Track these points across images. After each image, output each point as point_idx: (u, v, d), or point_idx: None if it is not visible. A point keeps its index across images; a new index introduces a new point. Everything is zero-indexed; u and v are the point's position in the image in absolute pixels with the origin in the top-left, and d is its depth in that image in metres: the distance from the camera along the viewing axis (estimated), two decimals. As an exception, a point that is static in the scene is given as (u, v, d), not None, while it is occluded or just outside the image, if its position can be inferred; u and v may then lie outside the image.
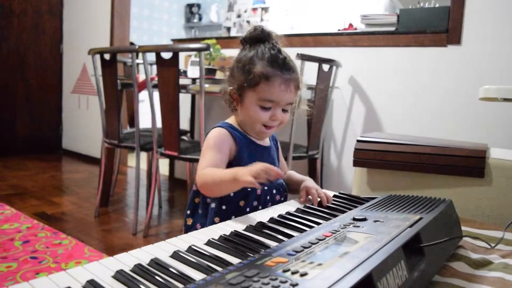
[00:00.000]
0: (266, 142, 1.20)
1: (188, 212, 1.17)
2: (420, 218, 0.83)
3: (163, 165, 3.99)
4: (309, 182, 1.17)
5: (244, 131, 1.14)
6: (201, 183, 1.03)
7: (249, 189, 1.04)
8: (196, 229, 1.13)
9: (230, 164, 1.10)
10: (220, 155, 1.08)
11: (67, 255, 2.11)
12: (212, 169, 1.03)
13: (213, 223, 1.07)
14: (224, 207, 1.09)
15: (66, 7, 4.82)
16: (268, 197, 1.13)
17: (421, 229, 0.76)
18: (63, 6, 4.83)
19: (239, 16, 5.19)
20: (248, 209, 1.08)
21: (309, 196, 1.11)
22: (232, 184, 0.95)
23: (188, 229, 1.16)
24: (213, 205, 1.10)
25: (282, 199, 1.19)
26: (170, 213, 2.99)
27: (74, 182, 3.70)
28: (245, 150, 1.11)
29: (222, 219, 1.07)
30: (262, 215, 0.92)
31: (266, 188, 1.12)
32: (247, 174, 0.90)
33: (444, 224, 0.90)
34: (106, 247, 2.28)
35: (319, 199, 1.07)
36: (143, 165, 3.45)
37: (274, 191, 1.16)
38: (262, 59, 1.07)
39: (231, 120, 1.18)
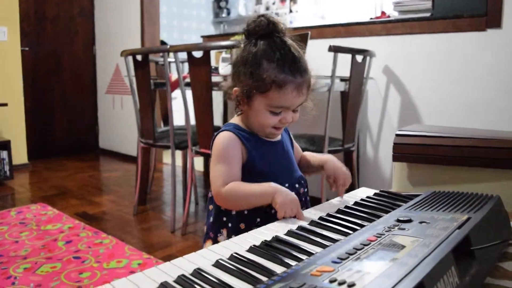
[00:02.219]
0: (277, 136, 1.14)
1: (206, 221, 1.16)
2: (469, 218, 0.80)
3: (198, 161, 4.02)
4: (330, 164, 1.14)
5: (251, 130, 1.10)
6: (224, 200, 1.02)
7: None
8: (210, 237, 1.11)
9: (242, 167, 1.06)
10: (232, 164, 1.03)
11: (108, 254, 2.16)
12: (237, 185, 1.00)
13: (239, 229, 1.05)
14: (246, 212, 1.05)
15: (97, 9, 4.91)
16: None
17: (470, 231, 0.72)
18: (94, 8, 4.93)
19: (267, 8, 5.15)
20: (273, 211, 1.03)
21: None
22: (263, 200, 0.97)
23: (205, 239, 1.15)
24: (234, 211, 1.06)
25: (306, 190, 1.16)
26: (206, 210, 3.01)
27: (112, 181, 3.78)
28: (254, 151, 1.07)
29: (248, 225, 1.04)
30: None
31: (287, 185, 1.07)
32: (282, 201, 0.92)
33: (494, 223, 0.86)
34: (145, 246, 2.32)
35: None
36: (178, 161, 3.49)
37: (297, 185, 1.12)
38: (272, 62, 0.99)
39: (236, 119, 1.12)
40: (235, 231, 1.05)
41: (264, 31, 1.02)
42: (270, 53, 1.01)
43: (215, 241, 1.10)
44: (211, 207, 1.13)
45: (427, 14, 2.58)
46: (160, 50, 2.64)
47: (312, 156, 1.23)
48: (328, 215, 0.89)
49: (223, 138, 1.06)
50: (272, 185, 0.97)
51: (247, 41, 1.05)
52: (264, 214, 1.04)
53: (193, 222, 2.73)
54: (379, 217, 0.88)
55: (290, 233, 0.79)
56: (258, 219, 1.04)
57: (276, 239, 0.76)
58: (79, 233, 2.44)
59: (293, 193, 0.95)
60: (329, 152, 2.37)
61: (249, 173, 1.06)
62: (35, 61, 4.54)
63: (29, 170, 4.09)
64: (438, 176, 1.34)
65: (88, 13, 4.92)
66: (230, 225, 1.07)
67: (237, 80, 1.06)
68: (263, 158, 1.09)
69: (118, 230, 2.54)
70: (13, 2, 3.99)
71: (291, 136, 1.24)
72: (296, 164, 1.18)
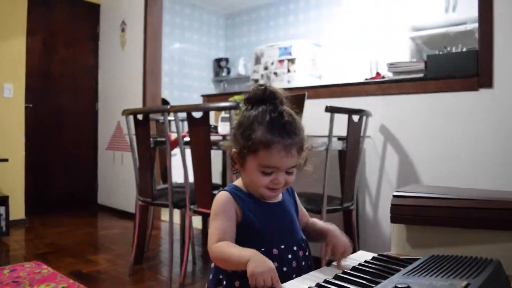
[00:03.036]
0: (277, 197, 1.17)
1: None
2: (468, 285, 0.79)
3: (196, 219, 3.98)
4: (334, 236, 1.14)
5: (249, 192, 1.13)
6: (212, 257, 1.05)
7: (262, 250, 1.02)
8: None
9: (237, 226, 1.09)
10: (226, 222, 1.07)
11: (102, 317, 2.09)
12: (223, 245, 1.02)
13: (233, 287, 1.06)
14: (240, 270, 1.02)
15: (101, 67, 5.07)
16: (289, 256, 1.10)
17: (470, 299, 0.72)
18: (99, 67, 5.09)
19: (266, 68, 5.30)
20: None
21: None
22: (239, 265, 0.96)
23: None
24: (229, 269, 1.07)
25: (307, 253, 1.15)
26: (204, 269, 2.95)
27: (109, 238, 3.73)
28: (250, 211, 1.10)
29: (242, 283, 1.04)
30: (299, 284, 0.89)
31: (283, 246, 1.09)
32: (251, 270, 0.90)
33: (494, 289, 0.85)
34: (140, 308, 2.25)
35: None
36: (176, 219, 3.46)
37: (295, 248, 1.12)
38: (262, 124, 1.05)
39: (238, 181, 1.17)
40: None
41: (260, 98, 1.10)
42: (262, 116, 1.07)
43: None
44: (213, 264, 1.14)
45: (421, 75, 2.66)
46: (160, 110, 2.69)
47: (318, 222, 1.25)
48: (325, 281, 0.88)
49: (219, 197, 1.12)
50: (250, 252, 0.97)
51: (246, 107, 1.13)
52: None
53: (190, 283, 2.67)
54: (377, 283, 0.86)
55: (286, 301, 0.78)
56: None
57: (273, 307, 0.74)
58: (73, 294, 2.38)
59: (269, 263, 0.93)
60: (328, 211, 2.35)
61: (246, 233, 1.08)
62: (37, 117, 4.60)
63: (25, 226, 4.04)
64: (437, 238, 1.33)
65: (92, 71, 5.06)
66: (225, 283, 1.08)
67: (234, 141, 1.12)
68: (259, 219, 1.10)
69: (113, 291, 2.47)
70: (20, 60, 4.12)
71: (297, 199, 1.26)
72: (298, 227, 1.19)
